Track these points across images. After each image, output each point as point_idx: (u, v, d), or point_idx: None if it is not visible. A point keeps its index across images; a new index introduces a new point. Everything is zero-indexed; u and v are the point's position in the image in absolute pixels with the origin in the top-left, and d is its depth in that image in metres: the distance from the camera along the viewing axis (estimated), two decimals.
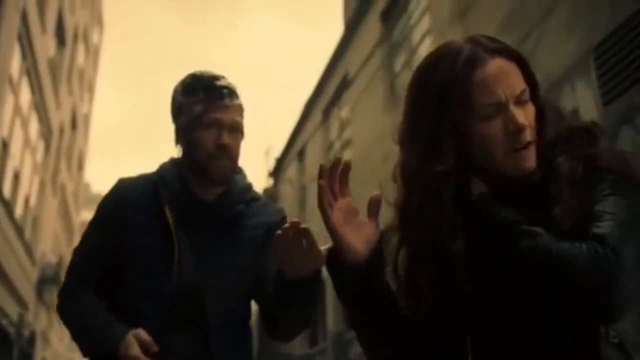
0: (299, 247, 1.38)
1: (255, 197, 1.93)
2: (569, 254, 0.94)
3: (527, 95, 1.11)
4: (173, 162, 1.91)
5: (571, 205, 1.00)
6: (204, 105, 1.78)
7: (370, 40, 11.91)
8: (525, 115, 1.09)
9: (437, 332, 1.12)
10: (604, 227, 0.96)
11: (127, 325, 1.69)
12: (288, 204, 16.88)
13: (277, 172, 18.41)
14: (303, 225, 1.34)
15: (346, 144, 13.44)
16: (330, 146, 14.72)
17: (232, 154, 1.81)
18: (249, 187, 1.93)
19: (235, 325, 1.82)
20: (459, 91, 1.08)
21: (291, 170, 17.21)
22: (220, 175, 1.80)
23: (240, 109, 1.85)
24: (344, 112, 13.93)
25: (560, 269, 0.94)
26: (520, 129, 1.08)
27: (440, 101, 1.09)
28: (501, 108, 1.08)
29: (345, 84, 13.39)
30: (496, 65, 1.09)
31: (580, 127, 1.13)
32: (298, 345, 14.35)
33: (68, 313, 1.83)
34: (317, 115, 15.46)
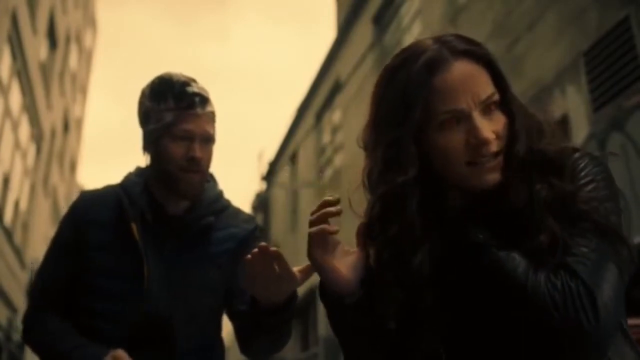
0: (271, 271, 1.29)
1: (224, 207, 1.82)
2: (543, 290, 0.89)
3: (495, 101, 1.01)
4: (139, 173, 1.80)
5: (556, 233, 0.93)
6: (173, 114, 1.66)
7: (362, 45, 11.90)
8: (491, 125, 1.00)
9: (409, 351, 1.06)
10: (577, 262, 0.90)
11: (103, 348, 1.59)
12: (280, 207, 16.84)
13: (269, 175, 18.37)
14: (273, 249, 1.25)
15: (338, 148, 13.41)
16: (322, 150, 14.69)
17: (203, 167, 1.70)
18: (218, 196, 1.82)
19: (205, 345, 1.74)
20: (419, 96, 0.99)
21: (283, 174, 17.18)
22: (190, 190, 1.70)
23: (212, 117, 1.72)
24: (335, 116, 13.91)
25: (533, 304, 0.89)
26: (482, 143, 0.98)
27: (401, 106, 1.01)
28: (463, 116, 0.99)
29: (337, 88, 13.38)
30: (460, 68, 1.00)
31: (556, 159, 1.02)
32: (290, 349, 14.29)
33: (36, 340, 1.71)
34: (309, 119, 15.44)
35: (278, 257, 1.27)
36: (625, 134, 4.92)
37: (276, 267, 1.28)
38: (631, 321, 2.44)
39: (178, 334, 1.65)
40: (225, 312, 1.80)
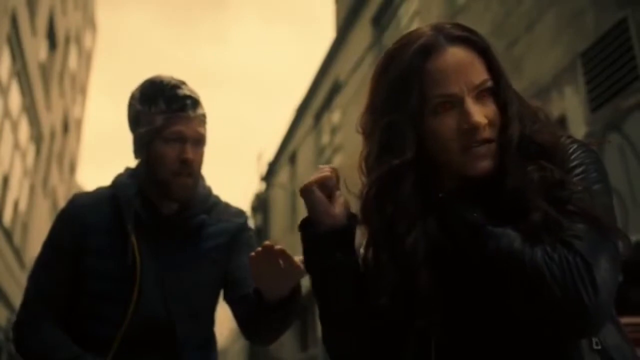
0: (277, 266, 1.34)
1: (215, 203, 1.83)
2: (541, 263, 0.89)
3: (488, 88, 1.02)
4: (130, 174, 1.79)
5: (548, 213, 0.94)
6: (164, 117, 1.65)
7: (361, 45, 11.92)
8: (484, 111, 1.01)
9: (399, 333, 1.06)
10: (574, 237, 0.91)
11: (98, 358, 1.59)
12: (280, 207, 16.86)
13: (269, 176, 18.38)
14: (277, 247, 1.30)
15: (337, 149, 13.43)
16: (321, 150, 14.70)
17: (194, 170, 1.71)
18: (208, 193, 1.83)
19: (204, 340, 1.76)
20: (413, 81, 1.01)
21: (283, 175, 17.19)
22: (183, 193, 1.70)
23: (203, 119, 1.72)
24: (335, 116, 13.92)
25: (531, 278, 0.89)
26: (474, 127, 0.99)
27: (397, 91, 1.03)
28: (456, 102, 1.00)
29: (336, 89, 13.39)
30: (453, 54, 1.01)
31: (547, 144, 1.02)
32: (289, 350, 14.30)
33: (29, 352, 1.66)
34: (308, 120, 15.46)
35: (282, 254, 1.33)
36: (623, 134, 4.94)
37: (281, 262, 1.34)
38: (631, 320, 2.45)
39: (179, 334, 1.66)
40: (226, 300, 1.82)
